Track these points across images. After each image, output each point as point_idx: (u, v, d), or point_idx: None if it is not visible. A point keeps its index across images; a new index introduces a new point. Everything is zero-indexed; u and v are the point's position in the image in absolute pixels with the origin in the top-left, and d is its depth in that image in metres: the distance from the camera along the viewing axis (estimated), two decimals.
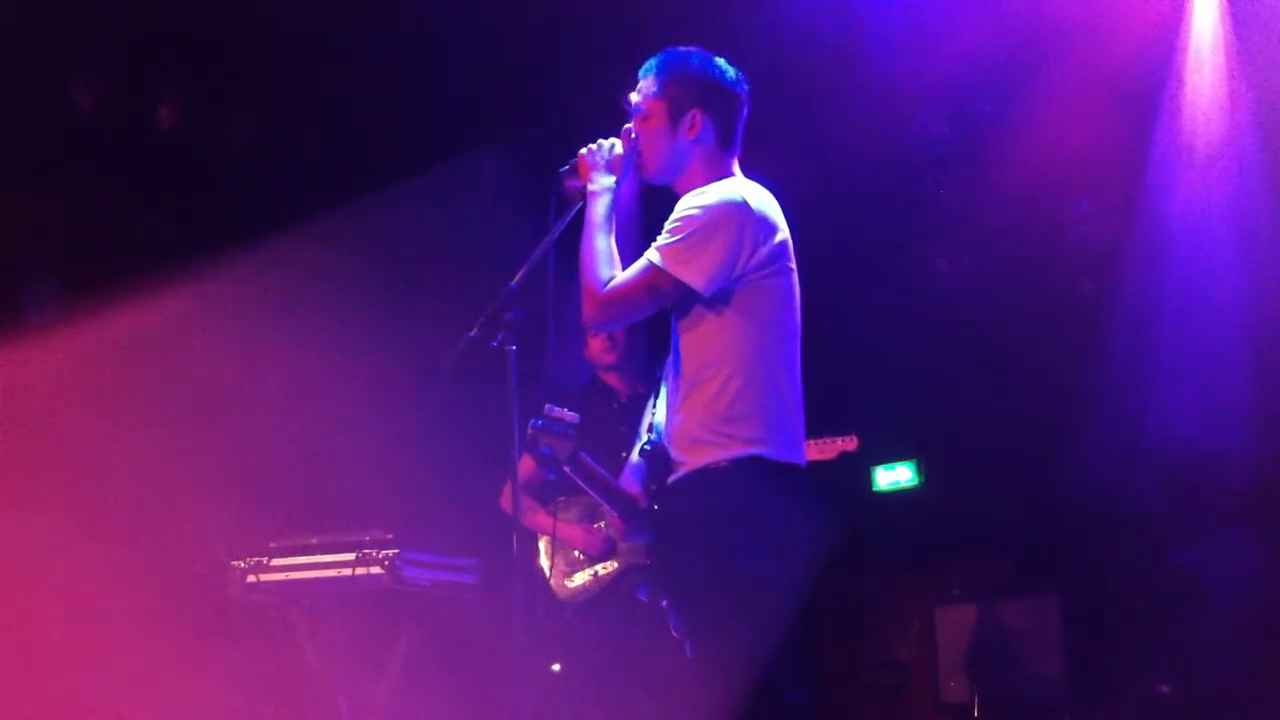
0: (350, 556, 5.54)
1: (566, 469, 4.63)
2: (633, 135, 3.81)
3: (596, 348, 5.58)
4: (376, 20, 6.48)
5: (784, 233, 3.66)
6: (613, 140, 3.81)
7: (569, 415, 4.20)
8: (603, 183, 3.75)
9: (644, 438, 3.91)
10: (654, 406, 3.96)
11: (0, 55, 5.94)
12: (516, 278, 3.72)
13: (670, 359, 3.73)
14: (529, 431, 4.01)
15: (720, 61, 3.81)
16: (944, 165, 7.17)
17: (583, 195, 3.77)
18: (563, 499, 5.52)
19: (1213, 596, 6.51)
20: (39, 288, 6.35)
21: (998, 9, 6.31)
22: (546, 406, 4.25)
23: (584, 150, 3.80)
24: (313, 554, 5.65)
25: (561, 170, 3.83)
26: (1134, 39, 6.48)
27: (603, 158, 3.77)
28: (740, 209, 3.58)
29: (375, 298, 6.85)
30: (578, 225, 3.76)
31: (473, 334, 3.71)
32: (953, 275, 7.84)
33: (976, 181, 7.19)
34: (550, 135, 6.00)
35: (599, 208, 3.72)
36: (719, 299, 3.57)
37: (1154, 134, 6.85)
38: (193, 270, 6.31)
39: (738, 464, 3.53)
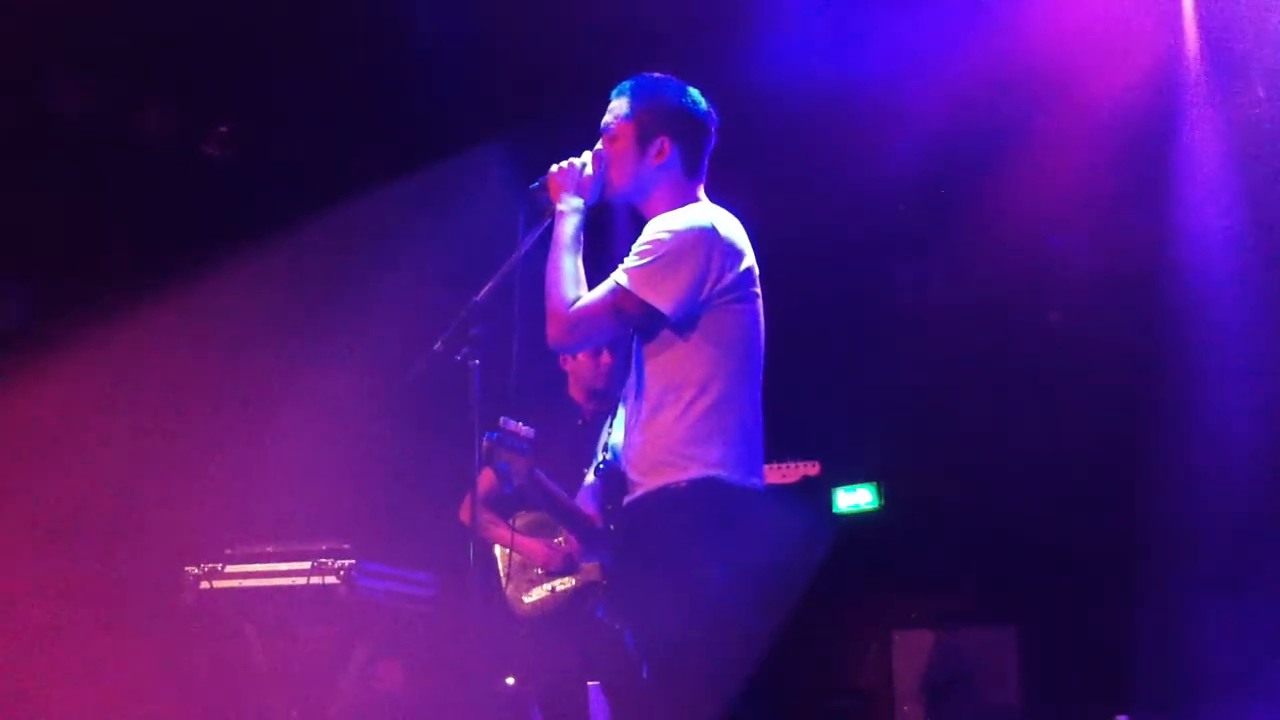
0: (306, 565, 5.51)
1: (522, 486, 4.60)
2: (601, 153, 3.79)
3: (588, 372, 5.53)
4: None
5: (750, 259, 3.66)
6: (584, 159, 3.78)
7: (524, 430, 4.16)
8: (572, 203, 3.73)
9: (599, 457, 3.89)
10: (610, 426, 3.93)
11: None
12: (482, 292, 3.71)
13: (632, 380, 3.71)
14: (484, 445, 3.97)
15: (693, 92, 3.82)
16: (920, 194, 7.19)
17: (552, 212, 3.75)
18: (522, 513, 5.51)
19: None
20: (12, 295, 6.31)
21: (989, 49, 6.33)
22: (502, 420, 4.21)
23: (554, 168, 3.78)
24: (268, 562, 5.61)
25: (531, 187, 3.80)
26: (1127, 76, 6.47)
27: (573, 179, 3.75)
28: (708, 234, 3.57)
29: (337, 308, 6.81)
30: (546, 241, 3.74)
31: (436, 348, 3.71)
32: (920, 301, 7.85)
33: (947, 211, 7.21)
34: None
35: (567, 228, 3.70)
36: (684, 323, 3.56)
37: (1133, 171, 6.87)
38: (166, 280, 6.28)
39: (695, 485, 3.52)
